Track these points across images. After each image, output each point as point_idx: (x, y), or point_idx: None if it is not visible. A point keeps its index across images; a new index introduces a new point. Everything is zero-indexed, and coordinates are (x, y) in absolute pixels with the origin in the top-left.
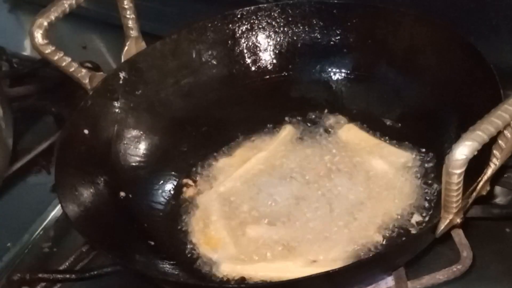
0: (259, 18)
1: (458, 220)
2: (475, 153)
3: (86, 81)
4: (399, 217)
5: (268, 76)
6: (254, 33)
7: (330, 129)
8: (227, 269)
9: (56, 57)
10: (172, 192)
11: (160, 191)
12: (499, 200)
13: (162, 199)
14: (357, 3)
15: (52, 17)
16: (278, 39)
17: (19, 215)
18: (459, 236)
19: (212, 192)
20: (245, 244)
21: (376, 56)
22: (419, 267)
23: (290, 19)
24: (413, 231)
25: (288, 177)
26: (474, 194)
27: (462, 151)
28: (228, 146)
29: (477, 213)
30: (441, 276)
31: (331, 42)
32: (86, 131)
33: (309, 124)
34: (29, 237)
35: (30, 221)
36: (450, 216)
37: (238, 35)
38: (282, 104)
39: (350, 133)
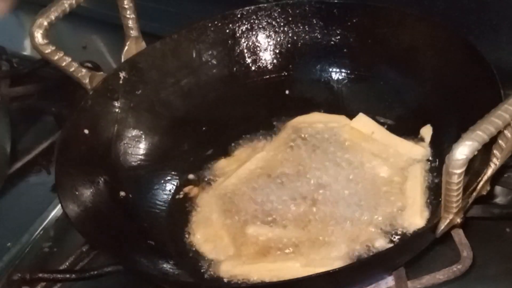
0: (259, 18)
1: (458, 220)
2: (475, 153)
3: (86, 81)
4: (399, 217)
5: (268, 76)
6: (254, 33)
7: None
8: (227, 269)
9: (56, 57)
10: (172, 192)
11: (161, 191)
12: (499, 200)
13: (162, 199)
14: (357, 3)
15: (52, 17)
16: (278, 39)
17: (19, 215)
18: (459, 236)
19: (212, 192)
20: (245, 244)
21: (376, 56)
22: (419, 267)
23: (290, 19)
24: (413, 231)
25: (288, 177)
26: (474, 194)
27: (462, 151)
28: (228, 146)
29: (477, 213)
30: (441, 276)
31: (331, 42)
32: (86, 131)
33: None
34: (29, 237)
35: (30, 221)
36: (450, 216)
37: (238, 35)
38: (282, 104)
39: (361, 123)
